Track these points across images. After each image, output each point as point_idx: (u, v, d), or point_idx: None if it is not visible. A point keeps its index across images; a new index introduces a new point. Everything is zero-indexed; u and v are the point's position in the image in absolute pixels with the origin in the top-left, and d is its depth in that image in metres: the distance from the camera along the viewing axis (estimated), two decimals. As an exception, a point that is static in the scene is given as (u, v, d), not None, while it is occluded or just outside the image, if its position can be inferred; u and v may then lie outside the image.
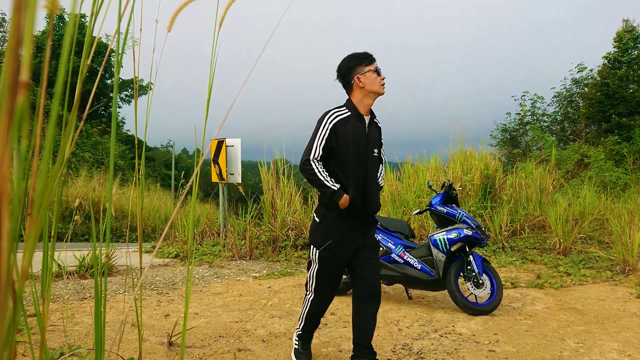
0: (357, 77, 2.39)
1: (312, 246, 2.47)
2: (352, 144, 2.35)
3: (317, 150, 2.29)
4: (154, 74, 1.32)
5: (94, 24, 0.85)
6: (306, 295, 2.58)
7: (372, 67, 2.41)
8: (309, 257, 2.55)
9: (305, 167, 2.31)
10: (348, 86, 2.45)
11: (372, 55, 2.44)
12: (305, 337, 2.66)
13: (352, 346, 2.95)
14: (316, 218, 2.47)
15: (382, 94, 2.46)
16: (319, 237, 2.43)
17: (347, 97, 2.48)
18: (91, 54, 0.86)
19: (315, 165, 2.30)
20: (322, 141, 2.30)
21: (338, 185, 2.32)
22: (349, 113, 2.39)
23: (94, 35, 0.95)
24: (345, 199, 2.32)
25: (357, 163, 2.38)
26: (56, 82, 0.49)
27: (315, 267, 2.48)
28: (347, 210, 2.37)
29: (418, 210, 4.49)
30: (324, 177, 2.30)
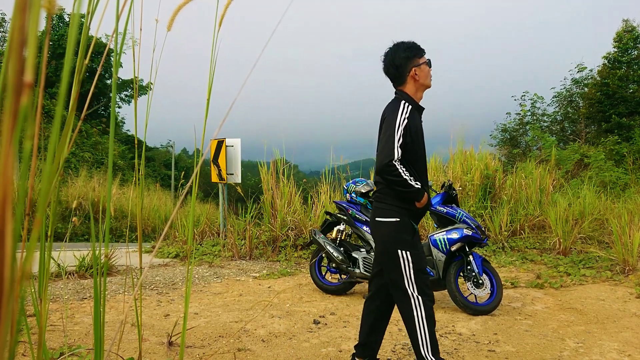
0: (414, 69, 2.28)
1: (399, 251, 2.22)
2: (421, 139, 2.29)
3: (398, 151, 2.15)
4: (154, 73, 1.32)
5: (90, 23, 0.85)
6: (416, 313, 2.21)
7: (425, 60, 2.32)
8: (387, 267, 2.23)
9: (389, 169, 2.15)
10: (401, 78, 2.32)
11: (422, 47, 2.35)
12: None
13: (351, 346, 2.95)
14: (392, 219, 2.25)
15: (430, 88, 2.38)
16: (404, 236, 2.24)
17: (397, 89, 2.36)
18: (89, 54, 0.86)
19: (399, 166, 2.16)
20: (400, 139, 2.17)
21: (420, 184, 2.23)
22: (411, 106, 2.26)
23: (93, 35, 0.95)
24: (425, 197, 2.25)
25: (425, 159, 2.32)
26: (60, 84, 0.49)
27: (410, 271, 2.22)
28: (422, 209, 2.29)
29: (418, 210, 4.49)
30: (408, 177, 2.17)
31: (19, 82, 0.27)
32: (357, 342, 2.58)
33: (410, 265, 2.22)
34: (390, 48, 2.34)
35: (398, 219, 2.25)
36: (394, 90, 2.40)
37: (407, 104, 2.25)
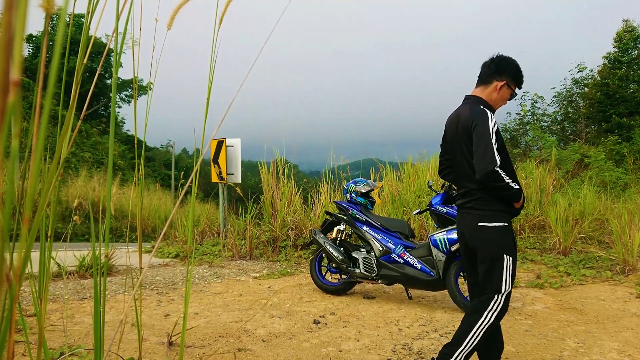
0: (504, 84, 2.39)
1: (505, 256, 2.25)
2: (504, 143, 2.35)
3: (498, 157, 2.20)
4: (153, 73, 1.32)
5: (89, 23, 0.85)
6: (482, 321, 2.27)
7: (514, 91, 2.45)
8: (489, 275, 2.25)
9: (494, 175, 2.19)
10: (489, 79, 2.41)
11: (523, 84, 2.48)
12: None
13: (351, 346, 2.95)
14: (500, 223, 2.28)
15: (495, 110, 2.48)
16: (510, 241, 2.29)
17: (471, 95, 2.46)
18: (87, 53, 0.86)
19: (501, 172, 2.21)
20: (495, 144, 2.22)
21: (517, 185, 2.29)
22: (490, 111, 2.34)
23: (94, 35, 0.95)
24: (522, 197, 2.32)
25: (510, 159, 2.38)
26: (49, 76, 0.48)
27: (509, 277, 2.26)
28: (519, 209, 2.35)
29: (418, 210, 4.49)
30: (509, 180, 2.23)
31: (5, 80, 0.26)
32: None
33: (510, 271, 2.27)
34: (510, 57, 2.44)
35: (506, 224, 2.29)
36: (466, 95, 2.50)
37: (489, 109, 2.34)
